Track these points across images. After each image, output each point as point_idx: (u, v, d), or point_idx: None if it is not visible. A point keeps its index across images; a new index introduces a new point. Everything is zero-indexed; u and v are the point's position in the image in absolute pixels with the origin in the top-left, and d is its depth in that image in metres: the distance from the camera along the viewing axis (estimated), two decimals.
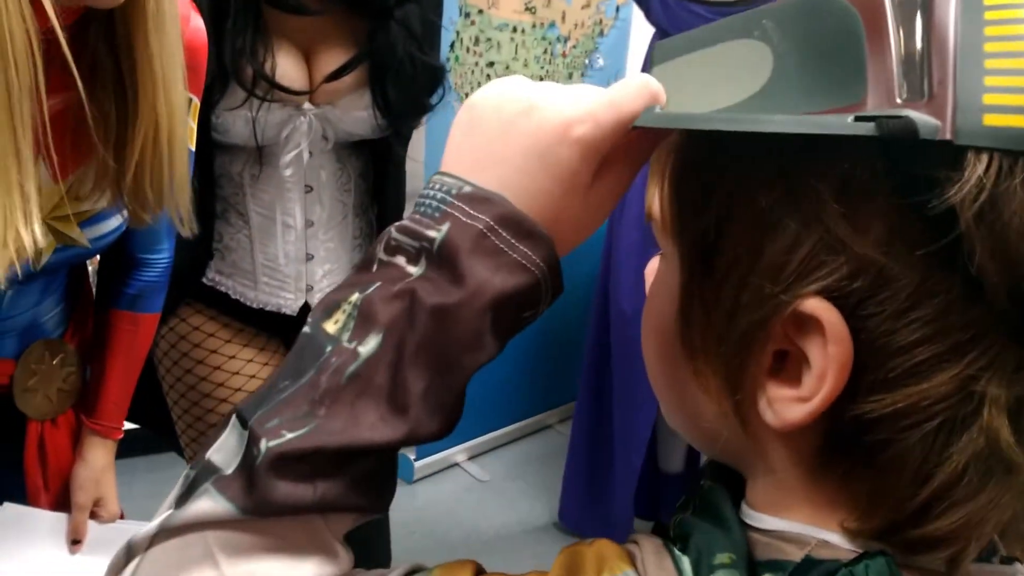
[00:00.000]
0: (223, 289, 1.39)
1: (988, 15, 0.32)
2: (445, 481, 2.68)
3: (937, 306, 0.32)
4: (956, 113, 0.31)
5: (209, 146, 1.26)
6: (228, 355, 1.41)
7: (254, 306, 1.39)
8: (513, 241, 0.38)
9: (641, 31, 2.15)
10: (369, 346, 0.37)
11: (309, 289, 1.40)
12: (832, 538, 0.36)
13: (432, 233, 0.38)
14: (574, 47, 2.64)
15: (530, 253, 0.38)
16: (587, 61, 2.69)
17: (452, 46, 2.32)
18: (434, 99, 1.36)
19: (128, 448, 1.16)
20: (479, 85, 2.38)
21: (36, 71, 0.71)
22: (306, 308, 1.40)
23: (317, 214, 1.36)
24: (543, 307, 0.40)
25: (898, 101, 0.32)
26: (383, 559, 1.73)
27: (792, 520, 0.37)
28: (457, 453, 2.76)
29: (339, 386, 0.37)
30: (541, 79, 0.44)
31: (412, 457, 2.62)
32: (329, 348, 0.38)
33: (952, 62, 0.31)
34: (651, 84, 0.40)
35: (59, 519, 1.11)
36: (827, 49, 0.34)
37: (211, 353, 1.40)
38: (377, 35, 1.25)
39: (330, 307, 0.40)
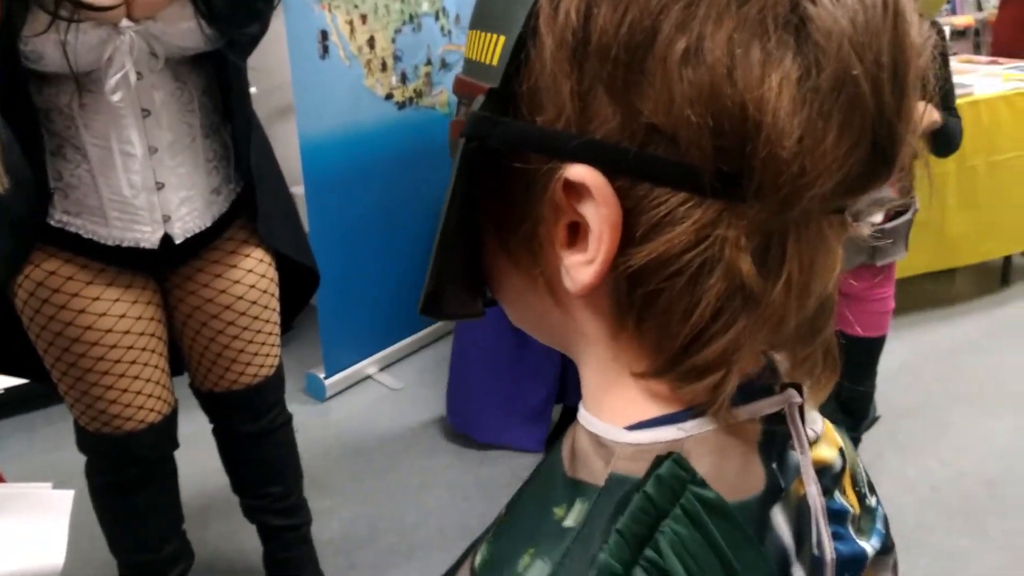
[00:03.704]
0: (73, 230, 1.32)
1: None
2: (358, 395, 2.68)
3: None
4: None
5: (24, 78, 1.17)
6: (91, 297, 1.35)
7: (109, 243, 1.32)
8: None
9: None
10: None
11: (167, 220, 1.33)
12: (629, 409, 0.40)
13: None
14: None
15: None
16: None
17: None
18: (267, 1, 1.28)
19: (23, 404, 1.13)
20: None
21: None
22: (167, 240, 1.34)
23: (160, 139, 1.29)
24: None
25: None
26: (294, 479, 1.73)
27: (604, 412, 0.41)
28: (368, 365, 2.75)
29: None
30: None
31: (322, 376, 2.61)
32: None
33: None
34: None
35: None
36: None
37: (72, 297, 1.34)
38: None
39: None
